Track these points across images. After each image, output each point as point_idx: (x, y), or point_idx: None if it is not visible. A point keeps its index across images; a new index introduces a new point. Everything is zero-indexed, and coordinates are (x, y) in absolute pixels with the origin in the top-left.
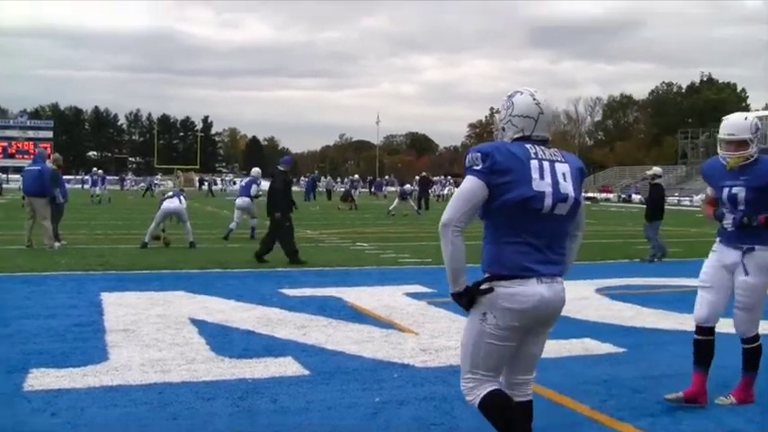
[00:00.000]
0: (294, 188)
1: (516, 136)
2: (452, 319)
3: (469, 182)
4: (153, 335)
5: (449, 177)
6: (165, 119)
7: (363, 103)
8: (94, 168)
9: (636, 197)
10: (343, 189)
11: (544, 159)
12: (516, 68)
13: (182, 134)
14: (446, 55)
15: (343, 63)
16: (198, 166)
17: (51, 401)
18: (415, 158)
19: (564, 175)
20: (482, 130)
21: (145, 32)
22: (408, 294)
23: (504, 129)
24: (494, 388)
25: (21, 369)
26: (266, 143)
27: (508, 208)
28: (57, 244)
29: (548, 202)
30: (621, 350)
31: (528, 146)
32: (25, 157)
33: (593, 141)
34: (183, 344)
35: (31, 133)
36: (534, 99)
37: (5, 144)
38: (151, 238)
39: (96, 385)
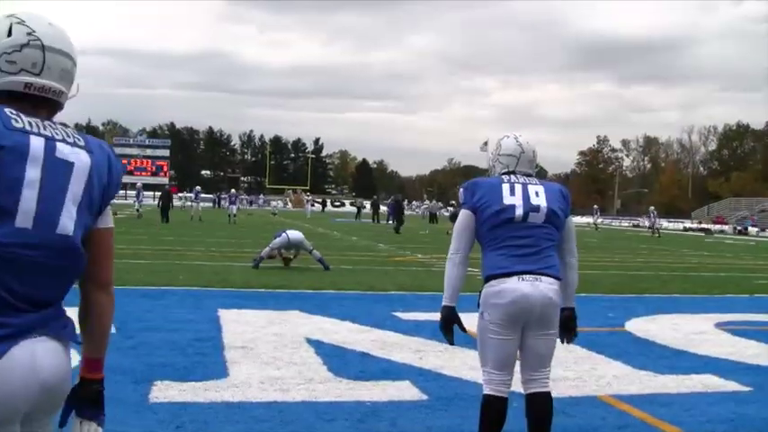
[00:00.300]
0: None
1: (503, 171)
2: (569, 348)
3: (461, 215)
4: (271, 353)
5: None
6: (276, 140)
7: (440, 126)
8: (233, 190)
9: (753, 229)
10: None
11: (516, 183)
12: (588, 93)
13: (293, 155)
14: (508, 76)
15: (403, 84)
16: (308, 187)
17: (176, 414)
18: None
19: (536, 192)
20: (592, 158)
21: (195, 53)
22: None
23: (494, 166)
24: (492, 393)
25: (146, 380)
26: (375, 166)
27: (488, 221)
28: None
29: (518, 212)
30: (747, 389)
31: (504, 176)
32: (143, 173)
33: (707, 171)
34: (301, 363)
35: (149, 152)
36: (517, 141)
37: (125, 161)
38: (264, 259)
39: (218, 401)
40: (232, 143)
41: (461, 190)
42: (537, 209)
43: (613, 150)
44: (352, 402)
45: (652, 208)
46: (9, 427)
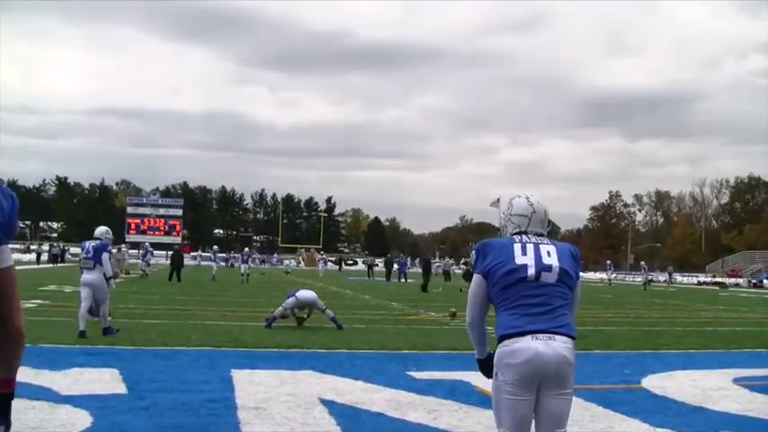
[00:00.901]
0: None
1: (515, 231)
2: (584, 406)
3: (474, 282)
4: (284, 413)
5: None
6: (289, 198)
7: (450, 184)
8: (246, 249)
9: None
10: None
11: (528, 243)
12: (595, 149)
13: (305, 214)
14: (515, 134)
15: (412, 143)
16: (321, 246)
17: None
18: None
19: (548, 252)
20: (604, 213)
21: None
22: None
23: (506, 225)
24: None
25: None
26: (387, 224)
27: (500, 281)
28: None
29: (531, 271)
30: None
31: (515, 236)
32: (156, 233)
33: (719, 224)
34: (314, 424)
35: (162, 211)
36: (528, 201)
37: (138, 221)
38: (277, 319)
39: None
40: (245, 202)
41: (473, 252)
42: (549, 268)
43: (626, 205)
44: None
45: (643, 263)
46: None
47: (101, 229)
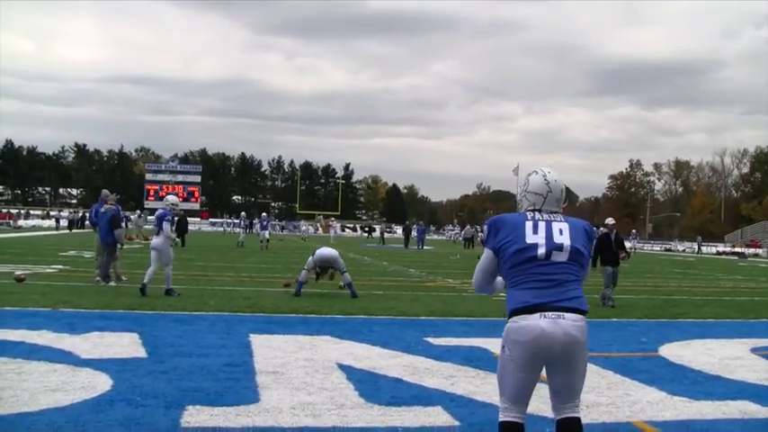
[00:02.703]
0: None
1: (529, 208)
2: (601, 374)
3: (484, 256)
4: (302, 378)
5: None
6: (307, 165)
7: (467, 152)
8: (264, 214)
9: None
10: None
11: (540, 220)
12: (613, 117)
13: (323, 181)
14: (531, 102)
15: (428, 110)
16: (338, 213)
17: None
18: None
19: (561, 230)
20: (623, 182)
21: (224, 80)
22: None
23: (521, 201)
24: (507, 420)
25: (178, 405)
26: (405, 191)
27: (510, 259)
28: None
29: (541, 251)
30: None
31: (528, 213)
32: None
33: (740, 194)
34: (332, 389)
35: (180, 177)
36: (545, 179)
37: (157, 187)
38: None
39: (250, 425)
40: (263, 169)
41: (485, 227)
42: (560, 247)
43: (645, 174)
44: (383, 428)
45: (634, 231)
46: None
47: (169, 198)
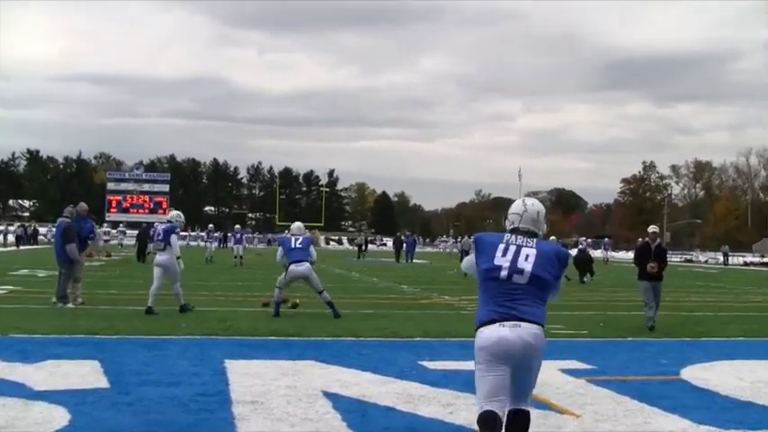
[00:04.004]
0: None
1: (510, 227)
2: (617, 400)
3: (468, 258)
4: (283, 408)
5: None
6: (286, 172)
7: (462, 155)
8: (237, 226)
9: None
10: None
11: (512, 244)
12: (623, 114)
13: (305, 189)
14: (531, 99)
15: (418, 110)
16: (322, 224)
17: None
18: (561, 217)
19: (527, 256)
20: (637, 186)
21: (191, 78)
22: (564, 371)
23: (506, 219)
24: (485, 409)
25: None
26: (396, 199)
27: (481, 274)
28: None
29: (503, 273)
30: None
31: (507, 235)
32: (140, 211)
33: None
34: (317, 419)
35: (146, 186)
36: (523, 203)
37: (120, 198)
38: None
39: None
40: (239, 176)
41: (472, 240)
42: (521, 272)
43: (661, 177)
44: None
45: (606, 240)
46: None
47: (173, 213)
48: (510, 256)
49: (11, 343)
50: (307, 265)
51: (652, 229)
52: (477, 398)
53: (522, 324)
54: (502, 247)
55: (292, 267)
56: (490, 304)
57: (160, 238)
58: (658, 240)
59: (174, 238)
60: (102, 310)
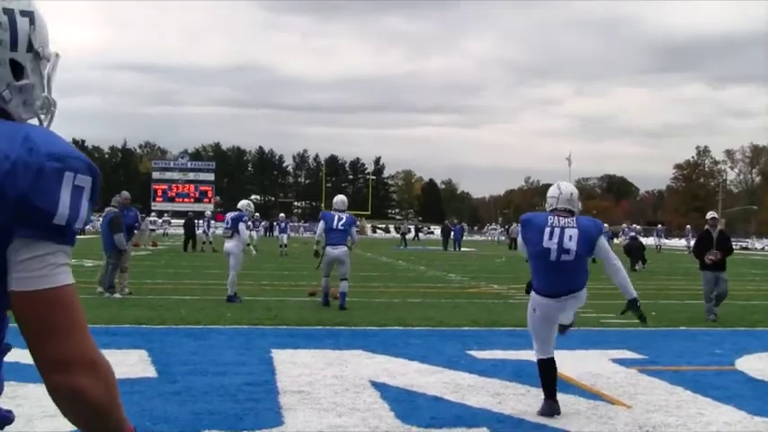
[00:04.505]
0: None
1: (550, 208)
2: (670, 391)
3: (519, 241)
4: (330, 398)
5: (659, 225)
6: (332, 160)
7: (510, 141)
8: (282, 215)
9: None
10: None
11: (556, 227)
12: (675, 97)
13: (351, 177)
14: (581, 83)
15: (464, 95)
16: (369, 212)
17: None
18: (613, 204)
19: (570, 236)
20: (690, 172)
21: (234, 66)
22: (615, 360)
23: (545, 203)
24: (545, 357)
25: (192, 430)
26: (443, 187)
27: (532, 253)
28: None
29: (553, 256)
30: None
31: (550, 217)
32: (185, 200)
33: None
34: (365, 409)
35: (191, 176)
36: (558, 187)
37: (165, 187)
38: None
39: None
40: (284, 164)
41: (520, 224)
42: (568, 252)
43: (715, 162)
44: None
45: (659, 226)
46: None
47: (243, 202)
48: (556, 238)
49: None
50: (344, 248)
51: (711, 215)
52: (534, 341)
53: (574, 293)
54: (548, 230)
55: (329, 249)
56: (544, 280)
57: (228, 225)
58: (719, 227)
59: (242, 226)
60: (148, 299)
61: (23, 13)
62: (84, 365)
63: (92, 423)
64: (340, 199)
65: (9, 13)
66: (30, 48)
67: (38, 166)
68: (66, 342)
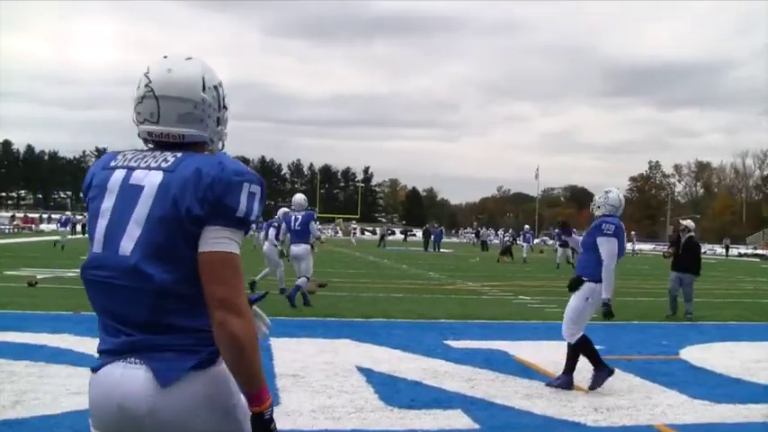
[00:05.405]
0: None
1: (619, 213)
2: (622, 377)
3: (614, 244)
4: (322, 381)
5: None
6: (326, 169)
7: (485, 153)
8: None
9: None
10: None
11: (624, 233)
12: (629, 118)
13: (342, 184)
14: (546, 103)
15: (444, 112)
16: (358, 216)
17: None
18: (576, 212)
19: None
20: (643, 184)
21: (238, 83)
22: None
23: (601, 207)
24: (583, 335)
25: None
26: (425, 194)
27: (617, 257)
28: None
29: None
30: None
31: (622, 224)
32: None
33: (761, 196)
34: (352, 392)
35: None
36: (619, 197)
37: None
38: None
39: None
40: (282, 172)
41: (612, 227)
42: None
43: (665, 176)
44: (403, 431)
45: (633, 233)
46: None
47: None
48: (624, 243)
49: (82, 319)
50: (304, 246)
51: (684, 223)
52: (576, 324)
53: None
54: (625, 236)
55: (291, 248)
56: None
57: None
58: (690, 234)
59: (272, 230)
60: None
61: (220, 84)
62: (236, 308)
63: (235, 359)
64: (296, 200)
65: (219, 85)
66: (222, 105)
67: (227, 180)
68: (227, 288)
